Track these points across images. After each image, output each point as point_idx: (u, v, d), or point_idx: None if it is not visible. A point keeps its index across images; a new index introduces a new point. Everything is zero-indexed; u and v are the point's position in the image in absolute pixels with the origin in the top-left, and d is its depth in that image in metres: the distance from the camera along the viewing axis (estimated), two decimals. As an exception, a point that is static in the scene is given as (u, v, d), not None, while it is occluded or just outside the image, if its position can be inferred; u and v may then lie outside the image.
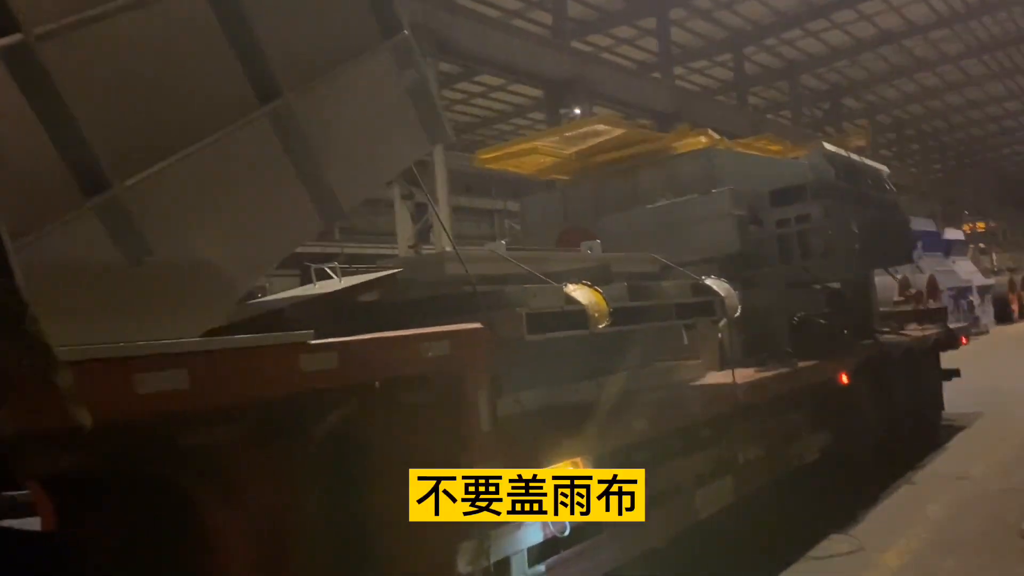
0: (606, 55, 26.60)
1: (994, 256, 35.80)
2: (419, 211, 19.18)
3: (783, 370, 6.37)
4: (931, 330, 9.90)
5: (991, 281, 27.08)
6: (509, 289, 4.07)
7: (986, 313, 24.37)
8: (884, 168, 9.63)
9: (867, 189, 8.63)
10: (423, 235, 18.51)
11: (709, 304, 5.55)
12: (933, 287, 11.44)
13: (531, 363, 4.63)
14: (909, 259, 9.90)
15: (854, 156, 8.65)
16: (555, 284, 4.33)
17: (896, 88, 34.96)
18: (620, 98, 23.19)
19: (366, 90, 3.64)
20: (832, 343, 7.67)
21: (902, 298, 10.58)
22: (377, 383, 3.25)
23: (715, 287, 5.66)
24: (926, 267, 19.06)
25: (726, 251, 7.37)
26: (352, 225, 28.57)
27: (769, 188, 7.50)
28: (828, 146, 8.25)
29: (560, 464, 4.16)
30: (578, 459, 4.25)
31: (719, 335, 6.79)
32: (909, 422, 8.84)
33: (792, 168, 7.71)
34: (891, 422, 8.28)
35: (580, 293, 4.41)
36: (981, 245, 38.51)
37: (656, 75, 26.64)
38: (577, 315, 4.33)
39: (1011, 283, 29.23)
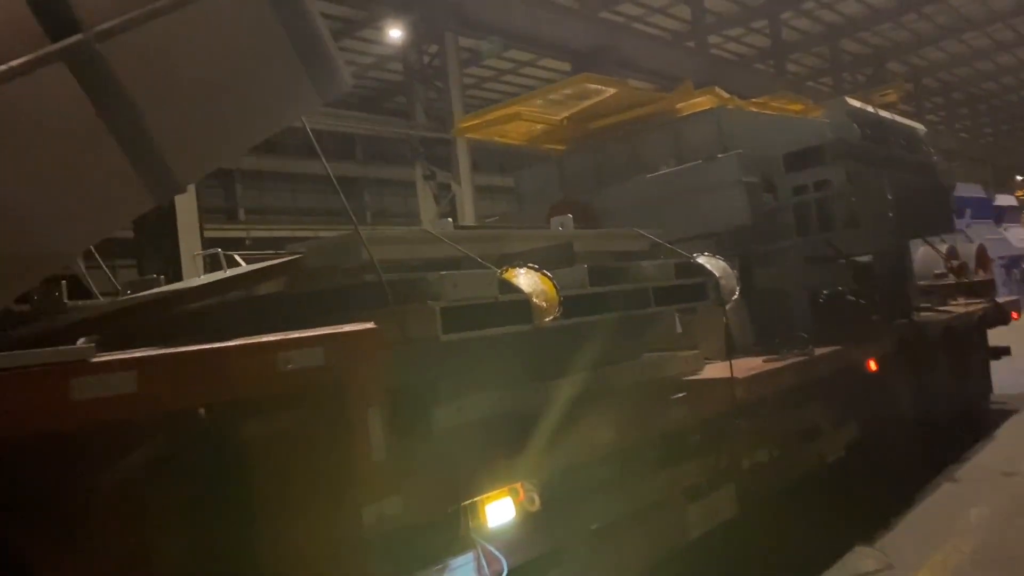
0: (637, 25, 25.42)
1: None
2: (442, 192, 18.44)
3: (796, 358, 5.41)
4: (976, 305, 8.79)
5: (1046, 248, 25.37)
6: (427, 277, 3.21)
7: (1041, 282, 22.78)
8: (920, 127, 8.51)
9: (899, 150, 7.57)
10: (448, 217, 17.62)
11: (699, 287, 4.62)
12: (983, 257, 10.25)
13: (480, 362, 3.79)
14: (950, 227, 8.79)
15: (884, 113, 7.58)
16: (489, 269, 3.46)
17: (943, 50, 33.04)
18: (652, 68, 22.06)
19: (214, 28, 2.79)
20: (859, 324, 6.69)
21: (945, 270, 9.46)
22: (203, 409, 2.43)
23: (708, 266, 4.72)
24: (975, 236, 17.68)
25: (735, 223, 6.40)
26: (383, 208, 28.01)
27: (785, 151, 6.50)
28: (852, 101, 7.20)
29: (496, 491, 3.33)
30: (519, 484, 3.41)
31: (724, 320, 5.86)
32: (951, 409, 7.79)
33: (811, 128, 6.70)
34: (929, 410, 7.26)
35: (524, 279, 3.53)
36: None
37: (690, 44, 25.42)
38: (517, 307, 3.45)
39: (1068, 250, 27.41)
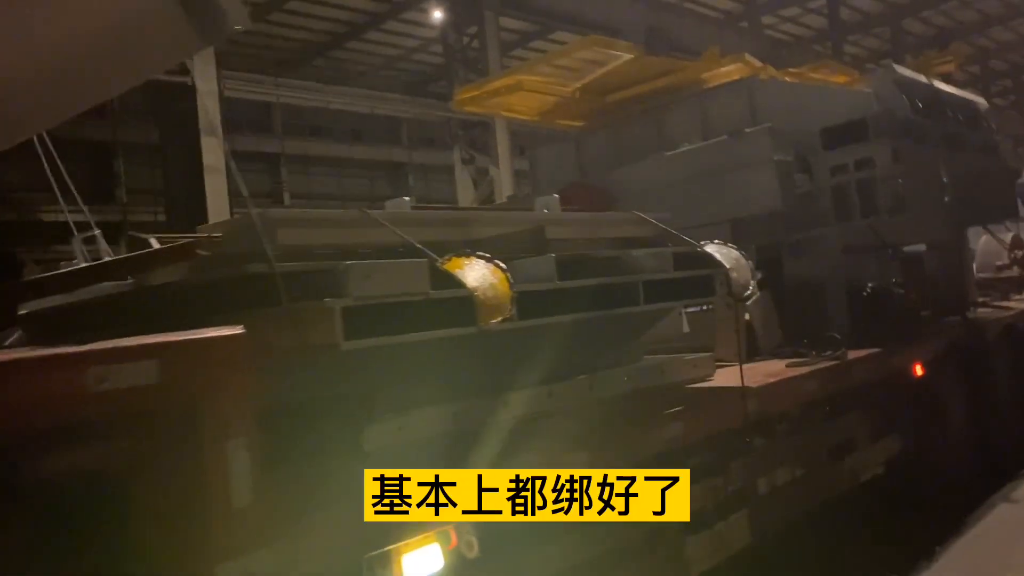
0: (688, 5, 24.31)
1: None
2: (481, 176, 17.73)
3: (826, 363, 4.61)
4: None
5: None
6: (336, 267, 2.51)
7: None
8: (981, 101, 7.53)
9: (957, 127, 6.63)
10: (487, 203, 16.94)
11: (706, 281, 3.86)
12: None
13: (430, 369, 3.11)
14: (1015, 214, 7.80)
15: (939, 84, 6.64)
16: (423, 259, 2.75)
17: (1012, 30, 31.08)
18: (704, 51, 21.00)
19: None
20: (905, 323, 5.83)
21: (1008, 262, 8.47)
22: None
23: (718, 256, 3.94)
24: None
25: (765, 207, 5.59)
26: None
27: (822, 126, 5.66)
28: (900, 69, 6.29)
29: (419, 537, 2.63)
30: (450, 528, 2.70)
31: (745, 317, 5.07)
32: (1008, 419, 6.85)
33: (853, 100, 5.83)
34: (987, 420, 6.35)
35: (472, 271, 2.82)
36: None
37: (743, 24, 24.25)
38: (457, 305, 2.74)
39: None
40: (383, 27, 22.33)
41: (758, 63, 6.33)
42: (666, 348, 4.66)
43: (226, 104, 18.87)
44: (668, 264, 3.62)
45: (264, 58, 22.24)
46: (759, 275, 6.35)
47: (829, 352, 4.76)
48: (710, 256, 3.96)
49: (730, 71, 6.29)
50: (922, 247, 7.11)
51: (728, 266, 3.95)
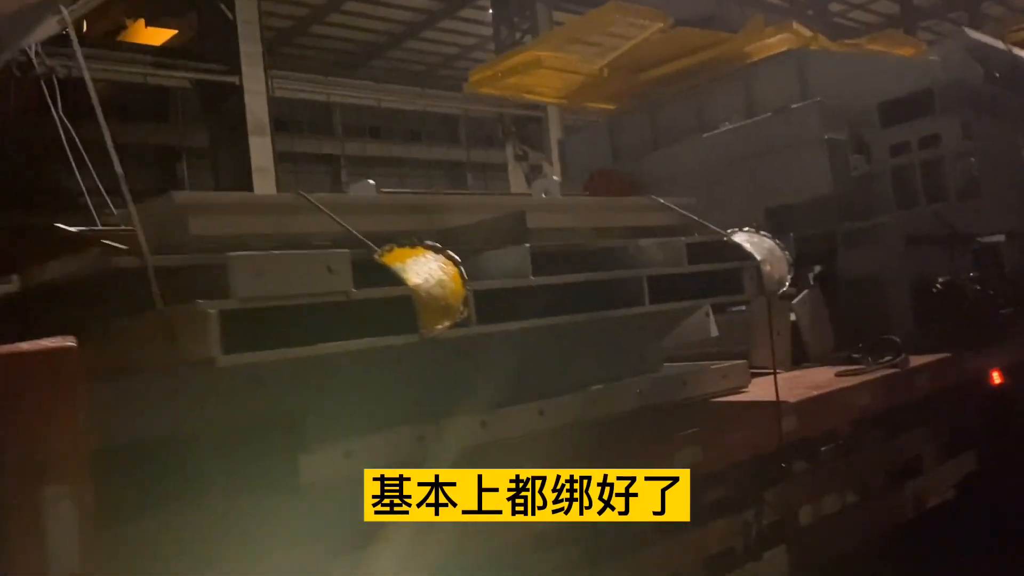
0: (751, -7, 23.27)
1: None
2: (534, 173, 17.12)
3: (883, 370, 3.88)
4: None
5: None
6: (228, 260, 1.95)
7: None
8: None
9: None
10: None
11: (732, 276, 3.19)
12: None
13: (400, 380, 2.56)
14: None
15: (1019, 52, 5.77)
16: (338, 251, 2.16)
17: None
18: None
19: None
20: (982, 323, 5.03)
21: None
22: None
23: (747, 246, 3.28)
24: None
25: (815, 192, 4.88)
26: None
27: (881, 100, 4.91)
28: (973, 34, 5.46)
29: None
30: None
31: (790, 318, 4.37)
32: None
33: (917, 70, 5.04)
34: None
35: (417, 266, 2.24)
36: None
37: (809, 13, 23.11)
38: (392, 308, 2.16)
39: None
40: (440, 26, 21.98)
41: (808, 32, 5.59)
42: (697, 355, 4.02)
43: (285, 105, 18.76)
44: (680, 256, 2.98)
45: (324, 60, 22.09)
46: (815, 269, 5.63)
47: (888, 358, 4.03)
48: (737, 247, 3.29)
49: (777, 42, 5.56)
50: (999, 237, 6.26)
51: (760, 258, 3.28)
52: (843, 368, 3.96)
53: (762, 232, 3.40)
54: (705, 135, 5.37)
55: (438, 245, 2.29)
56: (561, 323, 2.59)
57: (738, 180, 5.08)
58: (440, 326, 2.17)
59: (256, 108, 13.78)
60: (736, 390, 3.65)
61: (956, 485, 4.43)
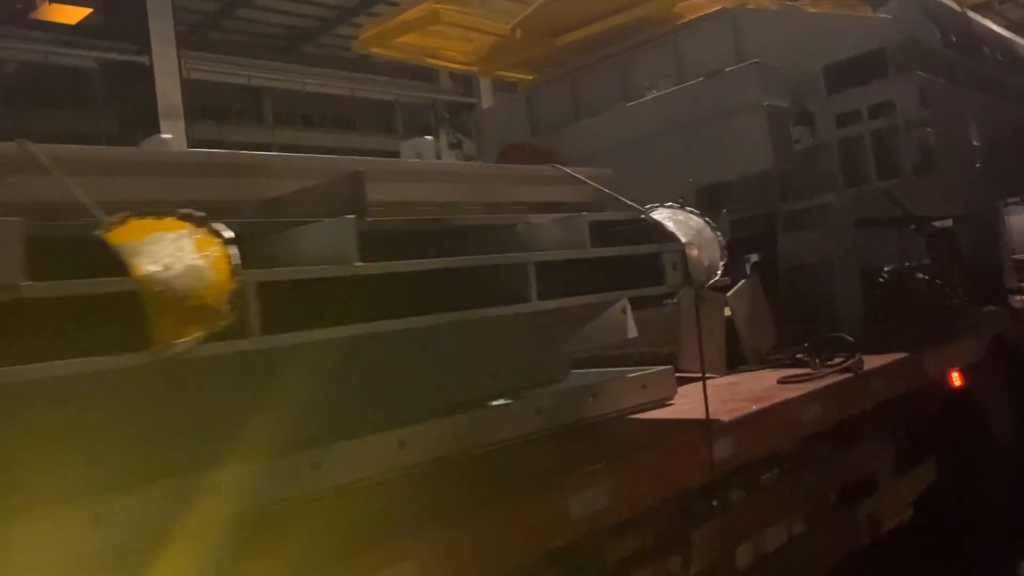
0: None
1: None
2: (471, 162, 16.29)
3: (833, 376, 3.19)
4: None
5: None
6: None
7: None
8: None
9: (996, 68, 5.19)
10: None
11: (651, 263, 2.46)
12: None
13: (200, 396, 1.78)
14: (1062, 182, 6.31)
15: (974, 15, 5.16)
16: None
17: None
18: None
19: None
20: (937, 316, 4.44)
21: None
22: None
23: (670, 225, 2.54)
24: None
25: (753, 169, 4.20)
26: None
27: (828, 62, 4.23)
28: (928, -10, 4.83)
29: None
30: None
31: (725, 313, 3.67)
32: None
33: (868, 30, 4.38)
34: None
35: (158, 244, 1.43)
36: None
37: None
38: (117, 310, 1.36)
39: None
40: (372, 10, 21.02)
41: (744, -12, 4.89)
42: (618, 359, 3.30)
43: (210, 91, 17.60)
44: (582, 237, 2.22)
45: (252, 45, 20.95)
46: (754, 256, 4.92)
47: (839, 360, 3.35)
48: (658, 227, 2.56)
49: (710, 0, 4.85)
50: (949, 221, 5.68)
51: (686, 240, 2.55)
52: (788, 374, 3.27)
53: (689, 209, 2.67)
54: (629, 104, 4.64)
55: (199, 215, 1.49)
56: (414, 326, 1.81)
57: (667, 155, 4.37)
58: (189, 337, 1.38)
59: (168, 90, 12.69)
60: (660, 403, 2.92)
61: (915, 501, 3.79)
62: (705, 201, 4.58)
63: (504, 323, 2.26)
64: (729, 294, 3.68)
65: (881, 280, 5.12)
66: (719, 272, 2.60)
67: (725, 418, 2.60)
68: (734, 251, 4.79)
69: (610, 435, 2.55)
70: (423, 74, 21.98)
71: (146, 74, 12.44)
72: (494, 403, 2.48)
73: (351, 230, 1.65)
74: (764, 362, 3.68)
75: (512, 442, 2.39)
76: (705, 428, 2.49)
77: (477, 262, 1.92)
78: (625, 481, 2.17)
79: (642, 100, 4.61)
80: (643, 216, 2.59)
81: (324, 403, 1.88)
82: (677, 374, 3.32)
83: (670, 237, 2.53)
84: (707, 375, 3.51)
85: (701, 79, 4.29)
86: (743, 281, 3.75)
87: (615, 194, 2.75)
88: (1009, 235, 5.84)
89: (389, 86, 18.66)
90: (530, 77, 5.63)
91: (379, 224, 1.82)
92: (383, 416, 2.13)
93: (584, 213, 2.22)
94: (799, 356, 3.55)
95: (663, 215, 2.62)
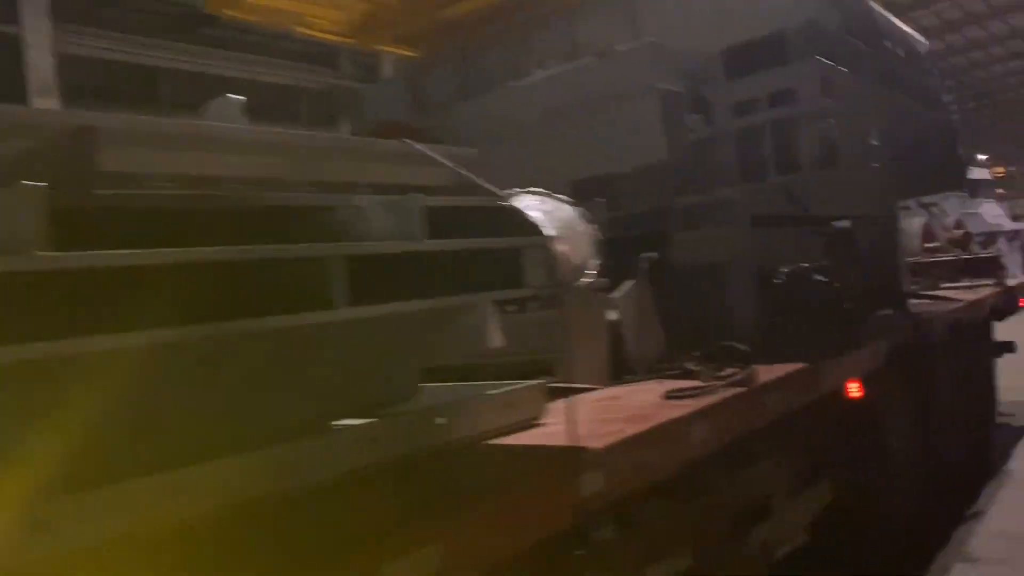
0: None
1: (1013, 202, 31.24)
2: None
3: (726, 390, 2.80)
4: (984, 289, 6.23)
5: (1020, 226, 22.88)
6: None
7: (1014, 261, 20.23)
8: (923, 40, 5.89)
9: (897, 63, 4.95)
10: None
11: (506, 259, 2.00)
12: (965, 234, 7.84)
13: None
14: (960, 183, 6.20)
15: (875, 5, 4.91)
16: None
17: (913, 21, 30.25)
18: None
19: None
20: (834, 320, 4.13)
21: (937, 243, 6.93)
22: None
23: (534, 216, 2.09)
24: (950, 208, 15.16)
25: (645, 159, 3.80)
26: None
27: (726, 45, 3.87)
28: (831, -24, 4.52)
29: None
30: None
31: (609, 317, 3.25)
32: (956, 439, 5.25)
33: (767, 10, 4.03)
34: (934, 447, 4.72)
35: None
36: (1000, 191, 34.01)
37: None
38: None
39: (1042, 227, 24.92)
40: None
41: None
42: (500, 372, 2.85)
43: (101, 69, 16.36)
44: (413, 225, 1.73)
45: (152, 24, 19.69)
46: (645, 255, 4.54)
47: (731, 372, 2.97)
48: (519, 216, 2.10)
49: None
50: (846, 222, 5.44)
51: (553, 232, 2.10)
52: (676, 386, 2.86)
53: (559, 196, 2.22)
54: (515, 84, 4.19)
55: None
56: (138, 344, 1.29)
57: (557, 142, 3.94)
58: None
59: (41, 65, 11.59)
60: (528, 424, 2.47)
61: (810, 524, 3.47)
62: (595, 194, 4.18)
63: (324, 332, 1.76)
64: (614, 296, 3.27)
65: (777, 282, 4.83)
66: (592, 270, 2.16)
67: (597, 444, 2.16)
68: (628, 251, 4.37)
69: (456, 470, 2.07)
70: (327, 60, 21.13)
71: (13, 45, 11.32)
72: (307, 434, 1.98)
73: (29, 211, 1.12)
74: (652, 372, 3.27)
75: (325, 483, 1.89)
76: (572, 459, 2.05)
77: (254, 254, 1.41)
78: (463, 538, 1.70)
79: (529, 80, 4.16)
80: (501, 203, 2.13)
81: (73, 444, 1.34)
82: (562, 385, 2.90)
83: (533, 229, 2.08)
84: (588, 387, 3.09)
85: (590, 59, 3.87)
86: (630, 282, 3.34)
87: (476, 178, 2.28)
88: (905, 238, 5.66)
89: (290, 70, 17.72)
90: (414, 54, 5.12)
91: (107, 200, 1.29)
92: (155, 458, 1.61)
93: (418, 195, 1.74)
94: (689, 367, 3.16)
95: (527, 202, 2.17)
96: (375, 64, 14.14)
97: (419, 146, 2.34)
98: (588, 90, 3.84)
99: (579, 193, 3.54)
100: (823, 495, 3.59)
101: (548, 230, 2.07)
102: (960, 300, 5.47)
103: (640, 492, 2.41)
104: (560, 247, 2.06)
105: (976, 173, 22.19)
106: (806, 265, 4.65)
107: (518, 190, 2.21)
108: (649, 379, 3.17)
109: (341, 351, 1.97)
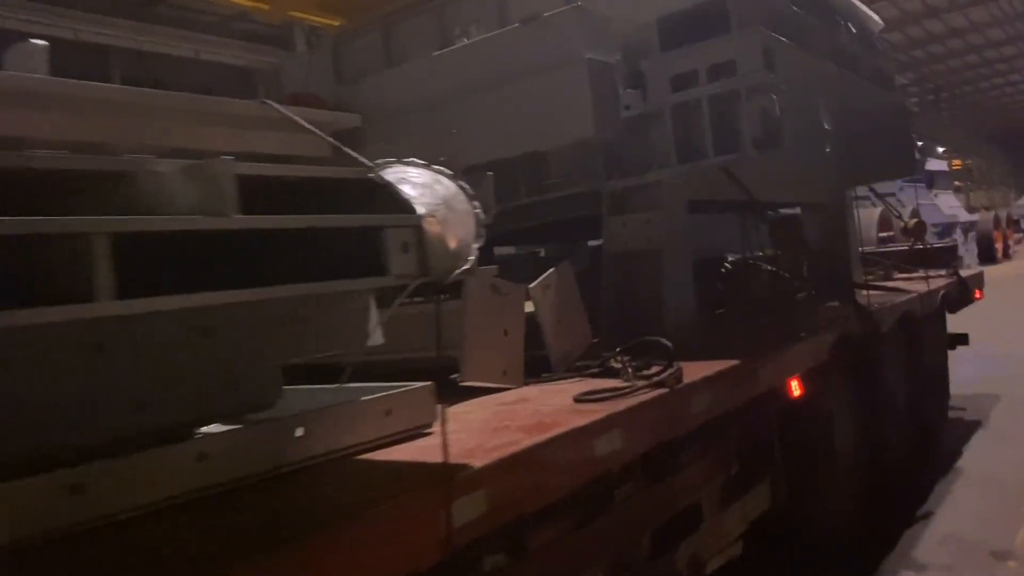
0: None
1: (969, 194, 31.59)
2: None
3: (646, 394, 2.48)
4: (937, 280, 6.00)
5: (975, 217, 23.04)
6: None
7: (969, 252, 20.34)
8: (876, 18, 5.63)
9: (847, 39, 4.67)
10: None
11: (366, 241, 1.64)
12: (919, 223, 7.62)
13: None
14: (910, 168, 5.94)
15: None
16: None
17: (875, 12, 30.22)
18: None
19: None
20: (781, 313, 3.87)
21: (892, 233, 6.71)
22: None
23: (409, 191, 1.74)
24: (907, 199, 15.09)
25: (572, 136, 3.47)
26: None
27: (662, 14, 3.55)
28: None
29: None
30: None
31: (526, 309, 2.92)
32: (904, 437, 5.02)
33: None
34: (881, 445, 4.47)
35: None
36: (957, 183, 34.38)
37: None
38: None
39: (996, 220, 25.16)
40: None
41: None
42: (400, 368, 2.54)
43: (53, 48, 15.68)
44: (222, 198, 1.37)
45: (103, 2, 18.95)
46: (577, 244, 4.26)
47: (654, 372, 2.65)
48: (388, 190, 1.75)
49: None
50: (798, 209, 5.17)
51: (427, 211, 1.75)
52: (590, 388, 2.54)
53: (438, 168, 1.88)
54: (436, 53, 3.83)
55: None
56: None
57: (481, 116, 3.60)
58: None
59: (-28, 38, 10.93)
60: (412, 434, 2.13)
61: (744, 533, 3.18)
62: (525, 175, 3.85)
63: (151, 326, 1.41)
64: (532, 286, 2.94)
65: (723, 271, 4.55)
66: (473, 256, 1.82)
67: (479, 462, 1.82)
68: (562, 236, 4.02)
69: (310, 494, 1.73)
70: (281, 40, 20.54)
71: (-58, 17, 10.69)
72: (132, 449, 1.62)
73: None
74: (573, 370, 2.95)
75: (146, 511, 1.54)
76: (443, 482, 1.71)
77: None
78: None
79: (451, 49, 3.80)
80: (370, 175, 1.78)
81: None
82: (470, 385, 2.58)
83: (401, 206, 1.73)
84: (500, 387, 2.77)
85: (515, 25, 3.52)
86: (550, 271, 3.01)
87: (341, 145, 1.93)
88: (857, 227, 5.40)
89: (243, 50, 17.14)
90: (336, 22, 4.73)
91: None
92: None
93: (228, 159, 1.38)
94: (612, 364, 2.84)
95: (397, 173, 1.82)
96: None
97: (279, 107, 1.98)
98: (512, 60, 3.49)
99: (504, 173, 3.21)
100: (760, 501, 3.30)
101: (418, 207, 1.73)
102: (912, 291, 5.23)
103: (537, 513, 2.08)
104: (432, 228, 1.71)
105: (934, 165, 22.32)
106: (754, 254, 4.38)
107: (392, 160, 1.86)
108: (569, 378, 2.85)
109: (184, 348, 1.62)
